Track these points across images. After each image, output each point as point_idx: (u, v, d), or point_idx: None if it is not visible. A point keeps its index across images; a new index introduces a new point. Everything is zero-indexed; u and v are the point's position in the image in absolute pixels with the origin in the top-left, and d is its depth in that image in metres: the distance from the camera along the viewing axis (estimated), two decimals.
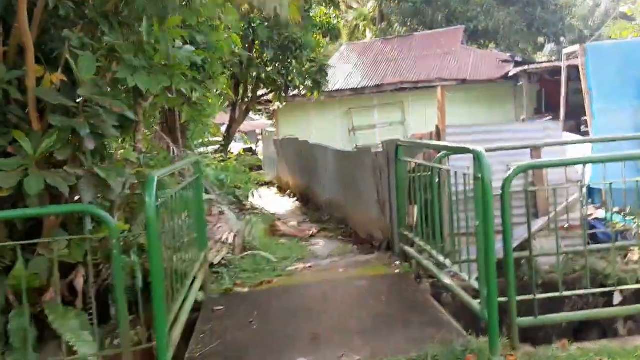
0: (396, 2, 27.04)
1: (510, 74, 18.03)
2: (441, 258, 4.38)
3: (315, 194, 12.73)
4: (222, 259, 6.35)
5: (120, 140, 5.88)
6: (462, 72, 19.50)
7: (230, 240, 7.17)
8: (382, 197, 7.80)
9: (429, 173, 5.09)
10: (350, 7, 31.52)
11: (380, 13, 29.53)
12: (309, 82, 16.08)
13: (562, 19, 29.09)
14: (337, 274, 5.79)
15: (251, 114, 44.74)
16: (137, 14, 5.24)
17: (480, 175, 3.23)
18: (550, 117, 14.75)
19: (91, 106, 4.39)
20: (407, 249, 5.29)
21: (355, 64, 22.62)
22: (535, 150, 6.18)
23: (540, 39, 28.17)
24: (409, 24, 27.66)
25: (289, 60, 14.58)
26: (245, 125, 37.01)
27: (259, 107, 21.99)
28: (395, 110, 20.26)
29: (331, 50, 23.12)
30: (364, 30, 31.73)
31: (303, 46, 14.36)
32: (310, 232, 9.70)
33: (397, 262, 5.89)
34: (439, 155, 4.89)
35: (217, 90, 11.48)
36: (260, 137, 28.64)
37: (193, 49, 5.33)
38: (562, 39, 31.31)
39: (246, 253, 6.87)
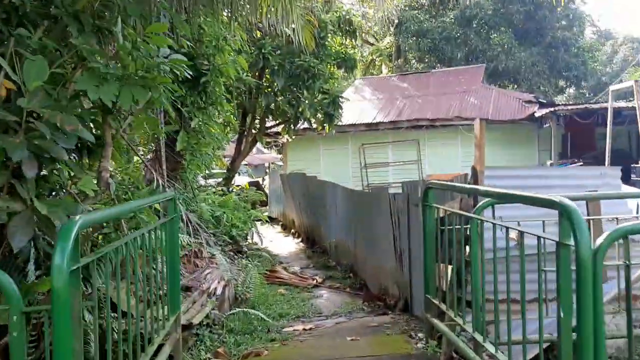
0: (414, 38, 26.41)
1: (537, 114, 17.06)
2: (489, 345, 3.28)
3: (322, 236, 11.66)
4: (206, 315, 5.26)
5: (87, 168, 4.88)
6: (483, 112, 18.58)
7: (219, 290, 6.10)
8: (400, 247, 6.74)
9: (461, 225, 4.08)
10: (367, 42, 31.00)
11: (397, 49, 28.91)
12: (320, 115, 15.19)
13: (585, 62, 28.34)
14: (344, 347, 4.65)
15: (261, 147, 44.04)
16: (116, 14, 4.36)
17: (573, 244, 2.17)
18: (581, 162, 13.71)
19: (38, 123, 3.43)
20: (436, 322, 4.19)
21: (369, 98, 21.83)
22: (592, 202, 5.12)
23: (562, 83, 27.34)
24: (426, 60, 26.99)
25: (301, 90, 13.71)
26: (254, 158, 36.35)
27: (268, 140, 21.11)
28: (410, 148, 19.31)
29: (345, 85, 22.36)
30: (380, 66, 31.10)
31: (316, 75, 13.51)
32: (314, 282, 8.61)
33: (420, 335, 4.76)
34: (482, 203, 3.84)
35: (220, 119, 10.62)
36: (268, 170, 27.74)
37: (182, 57, 4.38)
38: (582, 83, 30.54)
39: (235, 310, 5.79)
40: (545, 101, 18.71)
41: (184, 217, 6.93)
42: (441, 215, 4.59)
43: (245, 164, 38.66)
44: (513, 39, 25.27)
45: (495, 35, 25.38)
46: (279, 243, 14.11)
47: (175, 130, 8.51)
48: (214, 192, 12.81)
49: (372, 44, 31.02)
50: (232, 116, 16.03)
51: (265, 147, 41.20)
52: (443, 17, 26.40)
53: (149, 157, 9.08)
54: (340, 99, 14.86)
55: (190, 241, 6.55)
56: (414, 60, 27.57)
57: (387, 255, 7.05)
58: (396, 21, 27.07)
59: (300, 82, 13.67)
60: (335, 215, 10.28)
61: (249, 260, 8.40)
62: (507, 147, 18.47)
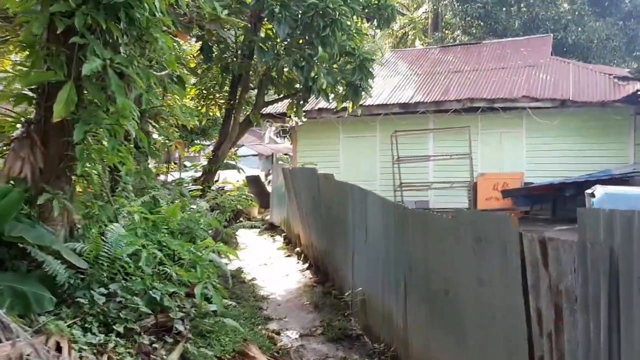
0: (458, 3, 21.93)
1: None
2: None
3: (339, 272, 7.50)
4: None
5: None
6: (559, 90, 14.18)
7: None
8: (545, 327, 2.54)
9: None
10: (398, 12, 26.54)
11: (435, 18, 24.45)
12: (341, 86, 11.00)
13: None
14: None
15: (273, 135, 40.00)
16: None
17: None
18: None
19: None
20: None
21: (404, 74, 17.50)
22: None
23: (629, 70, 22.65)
24: (474, 32, 22.52)
25: (313, 46, 9.48)
26: (265, 149, 32.21)
27: (269, 121, 16.94)
28: (459, 138, 15.00)
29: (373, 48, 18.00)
30: (413, 41, 26.69)
31: (336, 22, 9.27)
32: None
33: None
34: None
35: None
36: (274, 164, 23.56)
37: None
38: None
39: None
40: None
41: None
42: None
43: (255, 155, 34.64)
44: (586, 5, 20.70)
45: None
46: (276, 268, 9.97)
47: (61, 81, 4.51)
48: (183, 194, 8.75)
49: (403, 14, 26.60)
50: (215, 85, 11.94)
51: (278, 136, 36.97)
52: None
53: (16, 134, 5.08)
54: (370, 63, 10.63)
55: None
56: (457, 32, 23.09)
57: (509, 334, 2.89)
58: None
59: (312, 33, 9.48)
60: (365, 244, 6.09)
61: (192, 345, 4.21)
62: (591, 139, 14.10)
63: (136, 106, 7.26)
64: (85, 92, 4.65)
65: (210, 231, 7.31)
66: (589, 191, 11.75)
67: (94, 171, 4.86)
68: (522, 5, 21.21)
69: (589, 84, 14.49)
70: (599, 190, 10.82)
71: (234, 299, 7.46)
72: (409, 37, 27.14)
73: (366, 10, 11.40)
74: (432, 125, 15.41)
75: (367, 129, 15.92)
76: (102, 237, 4.52)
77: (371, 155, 15.91)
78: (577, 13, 20.62)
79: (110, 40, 4.66)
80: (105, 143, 4.89)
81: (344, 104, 11.78)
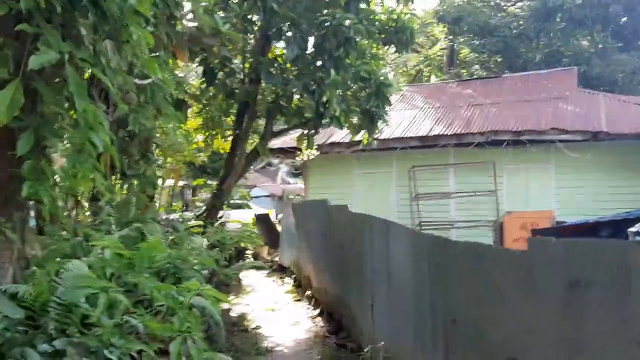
0: (476, 38, 21.22)
1: None
2: None
3: (357, 320, 6.42)
4: None
5: None
6: (591, 122, 13.19)
7: None
8: None
9: None
10: (414, 50, 25.98)
11: (450, 55, 23.77)
12: (356, 116, 10.15)
13: None
14: None
15: (285, 176, 39.15)
16: None
17: None
18: None
19: None
20: None
21: (422, 108, 16.63)
22: None
23: None
24: (492, 67, 21.74)
25: (325, 69, 8.64)
26: (277, 189, 31.32)
27: (279, 155, 16.11)
28: (482, 173, 13.98)
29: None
30: (429, 78, 26.00)
31: (350, 43, 8.44)
32: None
33: None
34: None
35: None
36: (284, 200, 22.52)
37: None
38: None
39: None
40: None
41: None
42: None
43: (267, 195, 33.76)
44: (609, 38, 19.88)
45: (585, 32, 19.99)
46: (284, 314, 8.89)
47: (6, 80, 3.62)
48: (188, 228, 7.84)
49: (418, 51, 26.00)
50: (219, 112, 11.08)
51: (291, 176, 36.15)
52: (515, 8, 21.31)
53: None
54: (387, 88, 9.78)
55: None
56: (475, 66, 22.34)
57: None
58: (451, 19, 22.06)
59: (324, 54, 8.65)
60: (388, 289, 5.04)
61: None
62: (626, 174, 13.00)
63: (122, 128, 6.38)
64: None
65: (205, 272, 6.30)
66: (632, 229, 10.61)
67: (52, 195, 3.90)
68: (541, 38, 20.43)
69: (623, 115, 13.48)
70: None
71: (232, 351, 6.41)
72: (424, 74, 26.47)
73: (382, 35, 10.63)
74: (452, 160, 14.41)
75: (383, 164, 14.97)
76: (55, 278, 3.54)
77: (387, 192, 14.89)
78: (599, 46, 19.80)
79: (74, 33, 3.79)
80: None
81: (359, 136, 10.92)
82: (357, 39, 8.82)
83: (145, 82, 5.19)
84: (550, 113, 14.11)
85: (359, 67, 9.41)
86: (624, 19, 21.02)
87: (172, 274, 5.13)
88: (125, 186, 7.08)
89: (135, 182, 6.96)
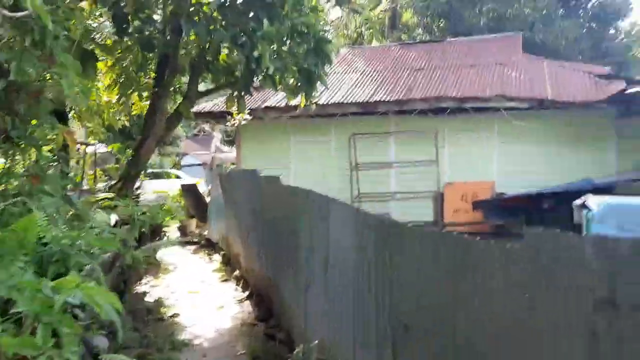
0: (420, 0, 20.50)
1: (629, 92, 11.33)
2: None
3: (289, 306, 5.63)
4: None
5: None
6: (537, 89, 12.79)
7: None
8: None
9: None
10: (354, 10, 25.00)
11: (393, 17, 22.99)
12: (291, 76, 9.18)
13: (630, 47, 23.02)
14: None
15: (219, 144, 37.69)
16: None
17: None
18: None
19: None
20: None
21: (363, 71, 15.82)
22: None
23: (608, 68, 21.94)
24: (436, 31, 21.13)
25: (258, 18, 7.63)
26: (209, 158, 29.97)
27: (207, 120, 15.01)
28: (424, 142, 13.44)
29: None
30: (370, 41, 25.16)
31: None
32: None
33: None
34: None
35: None
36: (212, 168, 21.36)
37: None
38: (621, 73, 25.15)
39: None
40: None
41: None
42: None
43: (200, 164, 32.34)
44: (554, 2, 19.63)
45: None
46: (209, 297, 7.99)
47: None
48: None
49: (359, 13, 25.07)
50: (133, 64, 9.83)
51: (225, 144, 34.70)
52: None
53: None
54: (327, 45, 8.88)
55: None
56: (418, 30, 21.67)
57: None
58: None
59: (257, 2, 7.63)
60: (325, 275, 4.24)
61: None
62: (570, 145, 12.76)
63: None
64: None
65: (107, 255, 5.31)
66: (578, 202, 10.28)
67: None
68: (486, 2, 19.96)
69: (568, 83, 13.16)
70: (594, 200, 9.33)
71: (143, 347, 5.49)
72: (365, 37, 25.62)
73: None
74: (394, 128, 13.75)
75: (322, 131, 14.15)
76: None
77: (326, 162, 14.11)
78: (543, 12, 19.53)
79: None
80: None
81: (296, 100, 10.00)
82: None
83: (19, 14, 4.07)
84: (495, 79, 13.64)
85: (295, 19, 8.46)
86: None
87: (56, 261, 4.13)
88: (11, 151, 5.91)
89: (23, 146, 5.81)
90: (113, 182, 10.07)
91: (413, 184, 13.49)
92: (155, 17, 8.59)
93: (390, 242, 3.08)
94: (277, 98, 13.44)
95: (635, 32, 23.99)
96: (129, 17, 7.94)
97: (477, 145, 13.40)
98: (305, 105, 9.89)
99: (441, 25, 21.15)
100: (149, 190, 14.80)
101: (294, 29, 8.48)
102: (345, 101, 13.61)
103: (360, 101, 13.52)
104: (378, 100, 13.38)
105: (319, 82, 9.14)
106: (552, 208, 12.37)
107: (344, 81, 14.93)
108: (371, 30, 24.71)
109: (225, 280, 9.06)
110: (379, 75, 15.20)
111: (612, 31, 22.05)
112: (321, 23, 9.31)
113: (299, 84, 9.24)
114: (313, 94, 9.60)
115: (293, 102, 10.51)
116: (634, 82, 12.60)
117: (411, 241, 2.90)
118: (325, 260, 4.29)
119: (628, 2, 22.33)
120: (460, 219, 13.14)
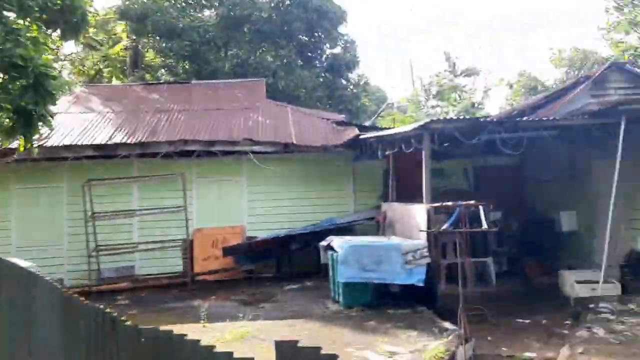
0: (164, 40, 19.90)
1: (363, 137, 12.25)
2: None
3: None
4: None
5: None
6: (282, 134, 13.13)
7: None
8: None
9: None
10: (91, 47, 23.28)
11: (134, 56, 21.96)
12: (6, 115, 7.87)
13: (358, 97, 25.62)
14: None
15: None
16: None
17: None
18: None
19: None
20: None
21: (100, 112, 14.53)
22: None
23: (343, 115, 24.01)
24: (181, 72, 20.66)
25: None
26: None
27: None
28: (171, 188, 12.76)
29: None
30: (110, 79, 23.64)
31: None
32: None
33: None
34: None
35: None
36: None
37: None
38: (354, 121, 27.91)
39: None
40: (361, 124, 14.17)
41: None
42: None
43: None
44: (293, 54, 20.77)
45: (271, 46, 20.50)
46: None
47: None
48: None
49: (97, 49, 23.45)
50: None
51: None
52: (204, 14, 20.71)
53: None
54: (49, 80, 7.78)
55: None
56: (162, 70, 20.95)
57: None
58: (135, 15, 20.35)
59: None
60: None
61: None
62: (314, 187, 13.30)
63: None
64: None
65: None
66: (324, 243, 10.58)
67: None
68: (230, 47, 20.27)
69: (310, 128, 13.80)
70: (337, 242, 9.66)
71: None
72: (104, 75, 24.02)
73: (44, 17, 8.55)
74: (137, 172, 12.77)
75: (51, 177, 12.50)
76: None
77: (57, 211, 12.44)
78: (285, 61, 20.53)
79: None
80: None
81: (14, 142, 8.57)
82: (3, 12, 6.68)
83: None
84: (242, 123, 13.68)
85: (9, 50, 7.23)
86: (305, 38, 22.36)
87: None
88: None
89: None
90: None
91: (160, 232, 12.63)
92: None
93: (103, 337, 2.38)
94: None
95: (362, 83, 26.68)
96: None
97: (226, 189, 13.16)
98: (25, 149, 8.53)
99: (186, 67, 20.82)
100: None
101: (9, 62, 7.26)
102: (79, 143, 12.24)
103: (97, 143, 12.29)
104: (118, 142, 12.33)
105: (40, 123, 7.92)
106: (301, 249, 12.68)
107: (78, 121, 13.50)
108: (111, 69, 23.26)
109: None
110: (118, 116, 14.10)
111: (343, 82, 24.15)
112: (44, 57, 8.13)
113: (16, 125, 7.91)
114: (34, 136, 8.32)
115: (11, 145, 9.02)
116: (364, 127, 13.79)
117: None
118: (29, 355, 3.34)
119: (356, 56, 24.81)
120: (211, 267, 12.66)
